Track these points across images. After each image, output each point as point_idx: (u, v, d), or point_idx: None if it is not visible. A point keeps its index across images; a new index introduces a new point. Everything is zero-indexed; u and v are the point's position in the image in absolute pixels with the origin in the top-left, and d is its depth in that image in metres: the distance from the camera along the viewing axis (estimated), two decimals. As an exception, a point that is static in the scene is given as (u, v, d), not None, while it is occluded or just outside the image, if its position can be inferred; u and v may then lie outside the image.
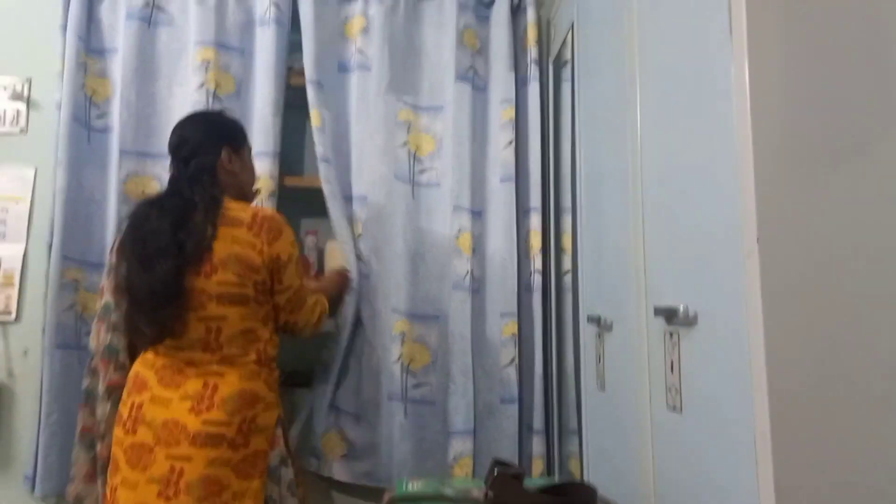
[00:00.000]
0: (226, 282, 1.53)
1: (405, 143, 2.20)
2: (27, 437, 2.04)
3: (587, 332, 1.69)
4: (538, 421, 2.12)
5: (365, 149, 2.17)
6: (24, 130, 2.25)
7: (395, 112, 2.20)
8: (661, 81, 1.26)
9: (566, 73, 2.17)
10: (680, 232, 1.15)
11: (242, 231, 1.56)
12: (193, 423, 1.48)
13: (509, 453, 2.10)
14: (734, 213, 0.93)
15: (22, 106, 2.24)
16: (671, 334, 1.14)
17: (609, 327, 1.53)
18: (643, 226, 1.33)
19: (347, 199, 2.17)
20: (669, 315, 1.11)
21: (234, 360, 1.55)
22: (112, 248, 1.72)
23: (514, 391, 2.13)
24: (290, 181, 2.24)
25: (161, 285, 1.50)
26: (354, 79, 2.21)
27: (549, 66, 2.28)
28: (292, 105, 2.22)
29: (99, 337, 1.71)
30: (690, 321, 1.07)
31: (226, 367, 1.54)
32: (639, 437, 1.28)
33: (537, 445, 2.11)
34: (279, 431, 1.62)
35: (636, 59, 1.39)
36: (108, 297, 1.72)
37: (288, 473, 1.63)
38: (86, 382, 1.77)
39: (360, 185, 2.16)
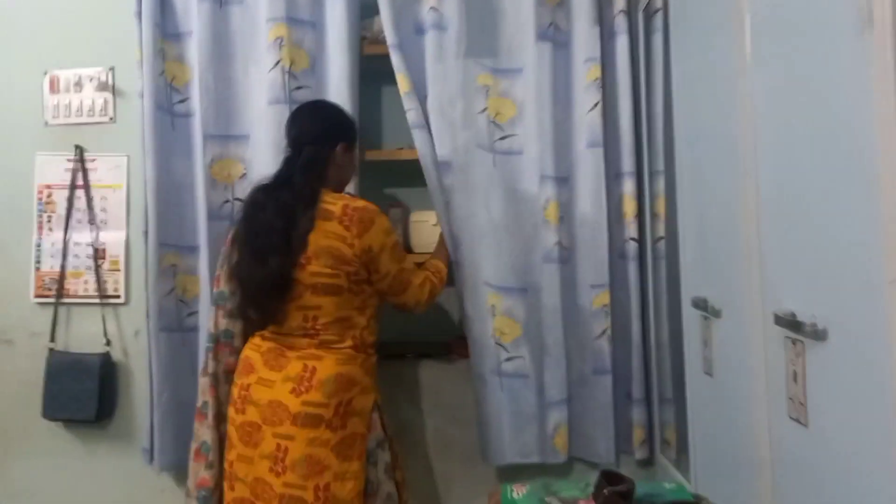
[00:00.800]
0: (319, 273, 1.59)
1: (484, 110, 2.10)
2: (143, 413, 2.17)
3: (691, 313, 1.61)
4: (638, 390, 2.07)
5: (444, 115, 2.07)
6: (113, 119, 2.29)
7: (473, 76, 2.09)
8: (783, 40, 1.12)
9: (657, 22, 2.00)
10: (806, 233, 1.04)
11: (334, 224, 1.60)
12: (294, 404, 1.56)
13: (604, 423, 2.08)
14: (876, 230, 0.82)
15: (108, 96, 2.28)
16: (794, 342, 1.06)
17: (717, 313, 1.45)
18: (758, 212, 1.22)
19: (435, 166, 2.10)
20: (793, 326, 1.02)
21: (331, 345, 1.62)
22: (228, 236, 1.79)
23: (607, 362, 2.08)
24: (371, 154, 2.21)
25: (271, 279, 1.58)
26: (429, 40, 2.09)
27: (638, 15, 2.10)
28: (364, 76, 2.15)
29: (217, 323, 1.82)
30: (819, 335, 0.98)
31: (323, 352, 1.61)
32: (755, 442, 1.21)
33: (638, 414, 2.08)
34: (376, 416, 1.66)
35: (747, 7, 1.24)
36: (223, 286, 1.82)
37: (385, 457, 1.68)
38: (212, 366, 1.84)
39: (444, 152, 2.07)
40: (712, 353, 1.50)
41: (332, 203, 1.62)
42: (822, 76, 0.98)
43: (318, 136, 1.69)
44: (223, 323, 1.82)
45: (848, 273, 0.91)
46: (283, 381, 1.59)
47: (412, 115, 2.04)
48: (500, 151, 2.11)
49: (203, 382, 1.84)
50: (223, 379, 1.82)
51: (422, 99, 2.09)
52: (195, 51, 2.11)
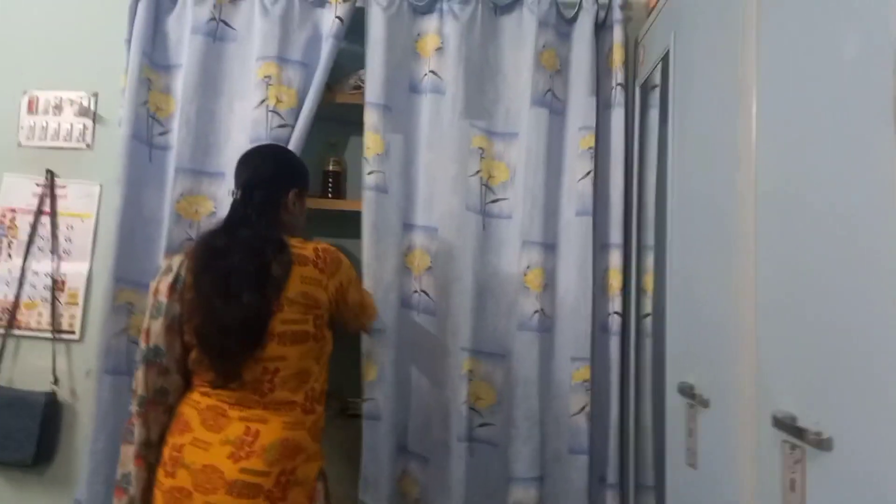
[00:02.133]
0: (291, 320, 1.47)
1: (478, 172, 2.06)
2: (85, 460, 2.00)
3: (675, 399, 1.51)
4: (612, 474, 1.96)
5: (437, 177, 2.04)
6: (90, 146, 2.21)
7: (468, 138, 2.06)
8: (790, 127, 1.07)
9: (653, 98, 1.98)
10: (812, 327, 0.96)
11: (310, 269, 1.50)
12: (231, 471, 1.40)
13: (578, 506, 1.96)
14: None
15: (88, 122, 2.20)
16: (793, 448, 0.97)
17: (705, 403, 1.35)
18: (755, 298, 1.14)
19: (409, 227, 2.05)
20: (794, 432, 0.93)
21: (280, 405, 1.47)
22: (159, 285, 1.52)
23: (585, 441, 1.97)
24: (341, 205, 2.14)
25: (247, 325, 1.43)
26: (427, 102, 2.08)
27: (635, 89, 2.08)
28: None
29: (148, 384, 1.53)
30: (823, 445, 0.89)
31: (270, 414, 1.46)
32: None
33: (611, 500, 1.96)
34: (320, 485, 1.50)
35: (753, 92, 1.20)
36: (156, 340, 1.53)
37: None
38: (141, 434, 1.61)
39: (430, 216, 2.04)
40: (697, 445, 1.41)
41: (302, 247, 1.52)
42: (835, 165, 0.92)
43: (270, 179, 1.58)
44: (157, 382, 1.53)
45: (861, 380, 0.83)
46: (221, 443, 1.42)
47: (375, 179, 1.99)
48: (490, 215, 2.06)
49: (126, 451, 1.52)
50: (157, 445, 1.54)
51: (408, 159, 2.04)
52: (181, 83, 2.05)
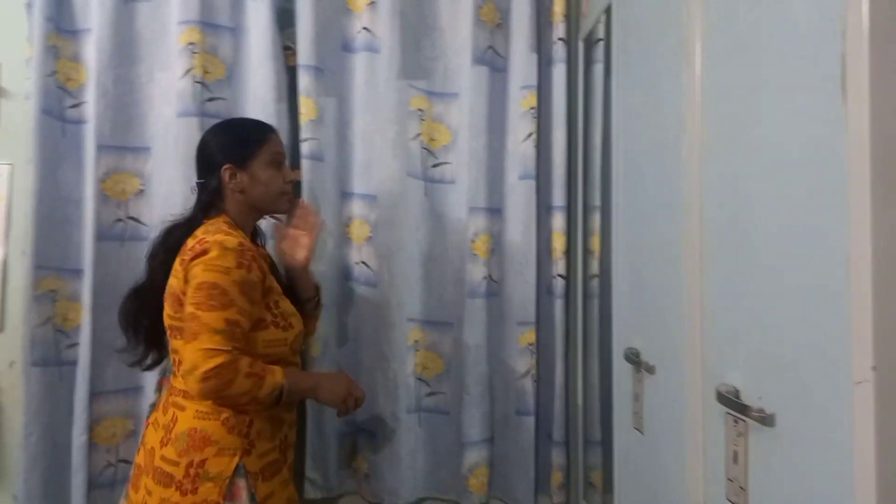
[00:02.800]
0: (168, 315, 1.43)
1: (418, 135, 1.98)
2: (18, 454, 1.91)
3: (621, 364, 1.52)
4: (558, 432, 2.00)
5: (374, 142, 1.96)
6: (-6, 122, 2.02)
7: (406, 99, 1.98)
8: (736, 74, 1.04)
9: (597, 53, 1.93)
10: (759, 299, 0.96)
11: (178, 261, 1.41)
12: (157, 457, 1.38)
13: (524, 466, 1.99)
14: (843, 319, 0.74)
15: (-10, 95, 2.01)
16: (737, 421, 0.97)
17: (651, 370, 1.36)
18: (702, 265, 1.13)
19: (347, 196, 1.98)
20: (738, 407, 0.94)
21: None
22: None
23: (530, 403, 1.99)
24: (295, 175, 2.00)
25: (136, 319, 1.53)
26: (361, 61, 1.98)
27: (578, 44, 2.02)
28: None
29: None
30: (766, 421, 0.89)
31: (188, 401, 1.39)
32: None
33: (557, 457, 2.00)
34: (242, 483, 1.36)
35: (697, 38, 1.16)
36: None
37: None
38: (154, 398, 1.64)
39: (369, 182, 1.97)
40: (643, 410, 1.42)
41: (192, 238, 1.41)
42: (782, 128, 0.90)
43: (200, 170, 1.53)
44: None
45: (806, 359, 0.83)
46: (158, 427, 1.42)
47: (310, 146, 1.91)
48: (432, 180, 2.00)
49: None
50: None
51: (343, 123, 1.95)
52: (93, 50, 1.89)
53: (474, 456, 1.98)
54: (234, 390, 1.30)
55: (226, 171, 1.48)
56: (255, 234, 1.59)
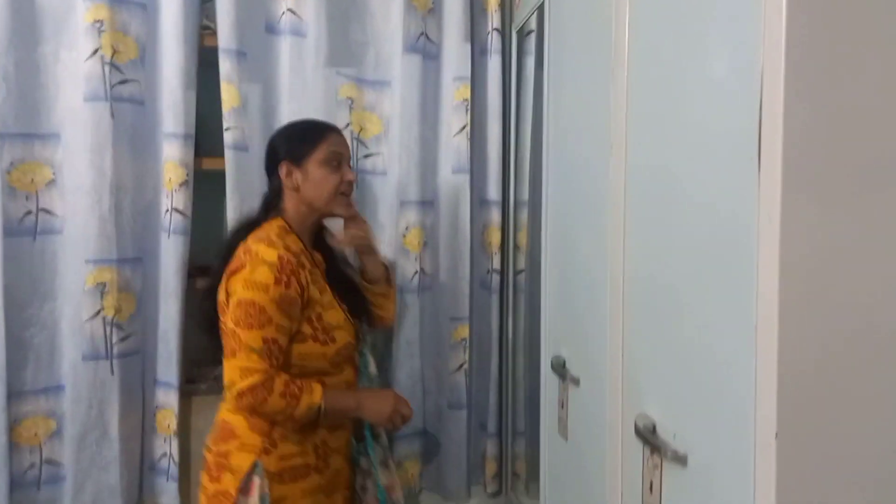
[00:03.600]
0: (222, 321, 1.45)
1: (347, 125, 1.91)
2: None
3: (548, 371, 1.54)
4: (492, 424, 2.03)
5: None
6: None
7: (335, 87, 1.90)
8: (659, 66, 1.03)
9: (529, 44, 1.89)
10: (676, 332, 0.97)
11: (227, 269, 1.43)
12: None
13: (457, 458, 2.02)
14: (760, 371, 0.75)
15: None
16: (652, 452, 0.99)
17: (576, 382, 1.38)
18: (623, 275, 1.14)
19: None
20: (652, 445, 0.95)
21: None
22: None
23: (463, 397, 2.00)
24: (210, 164, 1.94)
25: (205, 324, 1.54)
26: (286, 45, 1.88)
27: (511, 35, 1.97)
28: (211, 65, 1.87)
29: None
30: (679, 459, 0.91)
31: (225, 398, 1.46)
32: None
33: (491, 448, 2.04)
34: (257, 480, 1.39)
35: (625, 35, 1.14)
36: None
37: None
38: None
39: None
40: (567, 418, 1.45)
41: (245, 243, 1.43)
42: (705, 117, 0.89)
43: (266, 168, 1.56)
44: None
45: (717, 409, 0.84)
46: None
47: (233, 135, 1.82)
48: (363, 171, 1.95)
49: None
50: None
51: (269, 109, 1.86)
52: (-10, 28, 1.73)
53: (405, 448, 2.00)
54: (268, 409, 1.35)
55: (283, 168, 1.49)
56: (317, 236, 1.58)
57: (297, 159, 1.49)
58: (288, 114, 1.88)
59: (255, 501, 1.39)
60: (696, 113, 0.91)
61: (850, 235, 0.71)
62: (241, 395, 1.34)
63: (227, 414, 1.44)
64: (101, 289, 1.79)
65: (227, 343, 1.38)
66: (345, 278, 1.61)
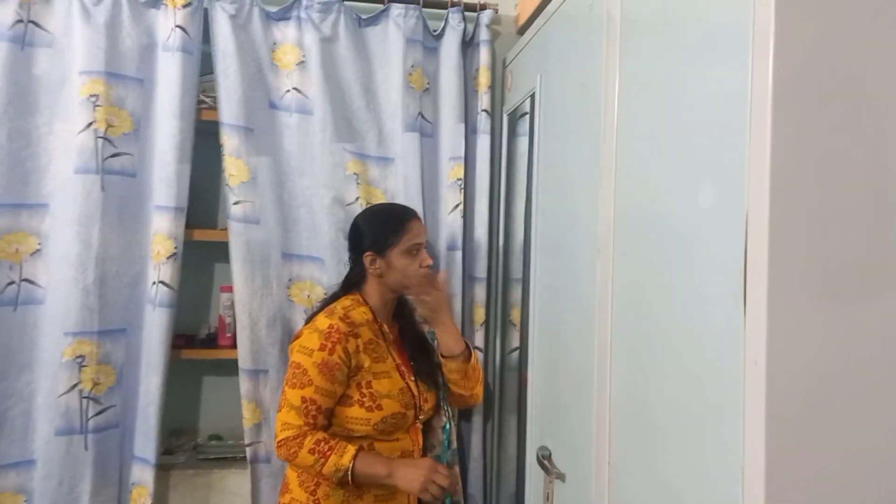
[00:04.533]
0: None
1: (357, 199, 1.92)
2: None
3: (534, 465, 1.51)
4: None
5: (314, 207, 1.90)
6: None
7: (343, 163, 1.91)
8: (648, 158, 1.05)
9: (523, 126, 1.92)
10: (662, 448, 0.95)
11: None
12: None
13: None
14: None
15: None
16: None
17: (562, 477, 1.36)
18: (609, 378, 1.13)
19: (287, 257, 1.90)
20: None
21: None
22: None
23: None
24: (202, 235, 1.94)
25: None
26: (293, 121, 1.91)
27: (502, 116, 2.01)
28: (206, 135, 1.89)
29: None
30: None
31: None
32: None
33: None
34: None
35: (614, 129, 1.16)
36: None
37: None
38: None
39: (314, 246, 1.90)
40: (554, 512, 1.42)
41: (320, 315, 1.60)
42: (692, 209, 0.90)
43: (350, 249, 1.72)
44: None
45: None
46: None
47: (244, 209, 1.84)
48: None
49: None
50: None
51: (277, 183, 1.88)
52: (-15, 98, 1.74)
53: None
54: (299, 462, 1.48)
55: (367, 258, 1.63)
56: (398, 307, 1.71)
57: (381, 250, 1.62)
58: (301, 188, 1.90)
59: None
60: (682, 210, 0.92)
61: (835, 357, 0.72)
62: (278, 445, 1.50)
63: (288, 468, 1.59)
64: (80, 361, 1.76)
65: (280, 400, 1.54)
66: (420, 350, 1.69)
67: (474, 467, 1.97)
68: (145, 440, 1.81)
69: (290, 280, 1.91)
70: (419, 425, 1.63)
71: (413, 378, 1.62)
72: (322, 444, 1.47)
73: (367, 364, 1.54)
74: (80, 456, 1.76)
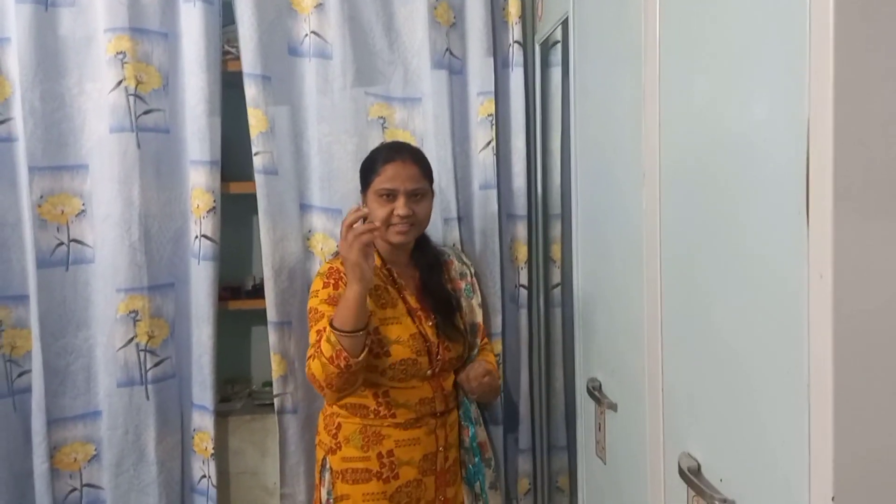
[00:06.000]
0: None
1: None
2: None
3: (584, 396, 1.52)
4: (524, 440, 2.01)
5: (334, 154, 1.87)
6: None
7: (365, 108, 1.88)
8: (693, 78, 1.00)
9: (555, 55, 1.86)
10: (717, 376, 0.94)
11: None
12: None
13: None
14: (806, 423, 0.72)
15: None
16: (696, 493, 0.97)
17: (613, 408, 1.36)
18: (660, 302, 1.11)
19: (306, 208, 1.90)
20: (697, 488, 0.93)
21: None
22: None
23: (499, 413, 1.98)
24: (238, 188, 1.94)
25: None
26: (311, 67, 1.87)
27: (534, 47, 1.94)
28: (236, 87, 1.86)
29: None
30: (727, 501, 0.89)
31: None
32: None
33: (523, 464, 2.02)
34: (327, 475, 1.59)
35: (657, 47, 1.10)
36: None
37: None
38: None
39: (331, 197, 1.88)
40: (605, 441, 1.43)
41: None
42: (745, 124, 0.86)
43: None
44: None
45: (774, 456, 0.81)
46: None
47: (263, 160, 1.82)
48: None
49: None
50: None
51: (297, 132, 1.86)
52: (15, 61, 1.74)
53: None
54: (321, 378, 1.44)
55: (361, 196, 1.64)
56: (419, 253, 1.67)
57: (364, 190, 1.62)
58: (318, 136, 1.87)
59: (325, 493, 1.59)
60: (735, 126, 0.88)
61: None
62: (311, 380, 1.49)
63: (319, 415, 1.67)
64: (134, 316, 1.81)
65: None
66: (443, 302, 1.65)
67: (523, 404, 1.99)
68: (202, 389, 1.87)
69: (309, 231, 1.90)
70: (440, 373, 1.60)
71: (431, 324, 1.59)
72: (320, 333, 1.45)
73: (370, 308, 1.50)
74: (142, 406, 1.83)
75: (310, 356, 1.48)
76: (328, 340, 1.42)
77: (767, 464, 0.82)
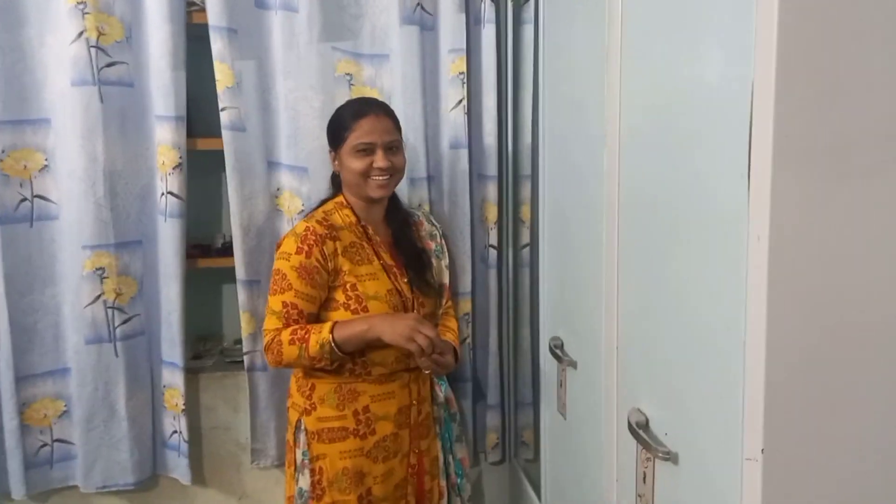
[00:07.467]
0: None
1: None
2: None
3: (547, 355, 1.55)
4: (493, 396, 2.05)
5: (300, 110, 1.84)
6: None
7: (332, 64, 1.85)
8: (655, 38, 1.00)
9: (528, 12, 1.84)
10: (668, 336, 0.97)
11: None
12: None
13: (463, 429, 2.05)
14: (739, 392, 0.75)
15: None
16: (644, 447, 1.01)
17: (573, 365, 1.39)
18: (617, 264, 1.13)
19: (274, 166, 1.88)
20: (644, 443, 0.96)
21: None
22: None
23: (467, 370, 2.02)
24: (204, 144, 1.92)
25: None
26: (278, 20, 1.82)
27: (506, 3, 1.91)
28: (202, 41, 1.82)
29: None
30: (670, 458, 0.93)
31: None
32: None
33: (492, 419, 2.06)
34: (302, 436, 1.58)
35: (619, 9, 1.10)
36: None
37: (304, 479, 1.58)
38: None
39: (297, 154, 1.86)
40: (566, 397, 1.46)
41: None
42: (698, 85, 0.87)
43: None
44: None
45: (714, 408, 0.84)
46: None
47: (230, 116, 1.79)
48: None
49: None
50: None
51: (265, 88, 1.83)
52: (-29, 11, 1.69)
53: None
54: (286, 360, 1.48)
55: (331, 156, 1.63)
56: (392, 211, 1.67)
57: (336, 147, 1.59)
58: (285, 91, 1.84)
59: (300, 454, 1.59)
60: (690, 87, 0.88)
61: (839, 235, 0.70)
62: (264, 352, 1.52)
63: (291, 376, 1.64)
64: (100, 273, 1.80)
65: (265, 308, 1.56)
66: (414, 258, 1.66)
67: (492, 362, 2.02)
68: (171, 346, 1.88)
69: (278, 190, 1.89)
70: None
71: (406, 281, 1.60)
72: (298, 331, 1.47)
73: (346, 268, 1.51)
74: (111, 363, 1.83)
75: (275, 338, 1.48)
76: (319, 345, 1.44)
77: (707, 419, 0.85)
